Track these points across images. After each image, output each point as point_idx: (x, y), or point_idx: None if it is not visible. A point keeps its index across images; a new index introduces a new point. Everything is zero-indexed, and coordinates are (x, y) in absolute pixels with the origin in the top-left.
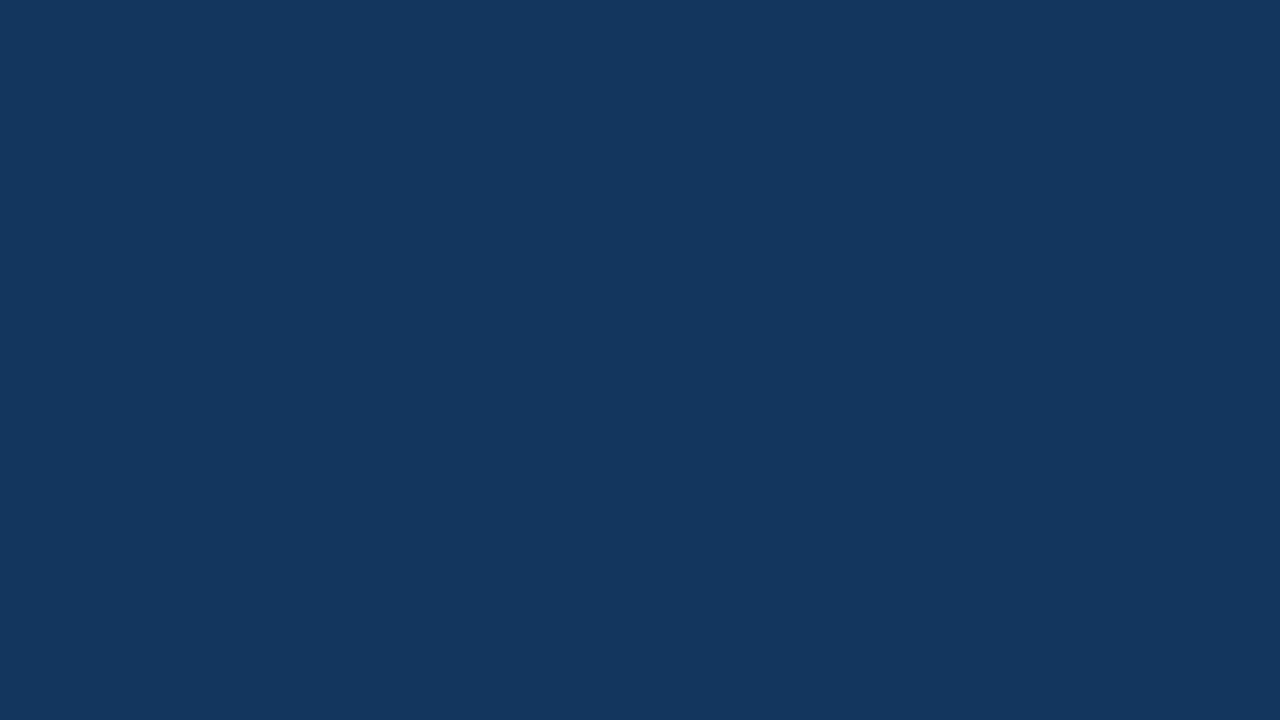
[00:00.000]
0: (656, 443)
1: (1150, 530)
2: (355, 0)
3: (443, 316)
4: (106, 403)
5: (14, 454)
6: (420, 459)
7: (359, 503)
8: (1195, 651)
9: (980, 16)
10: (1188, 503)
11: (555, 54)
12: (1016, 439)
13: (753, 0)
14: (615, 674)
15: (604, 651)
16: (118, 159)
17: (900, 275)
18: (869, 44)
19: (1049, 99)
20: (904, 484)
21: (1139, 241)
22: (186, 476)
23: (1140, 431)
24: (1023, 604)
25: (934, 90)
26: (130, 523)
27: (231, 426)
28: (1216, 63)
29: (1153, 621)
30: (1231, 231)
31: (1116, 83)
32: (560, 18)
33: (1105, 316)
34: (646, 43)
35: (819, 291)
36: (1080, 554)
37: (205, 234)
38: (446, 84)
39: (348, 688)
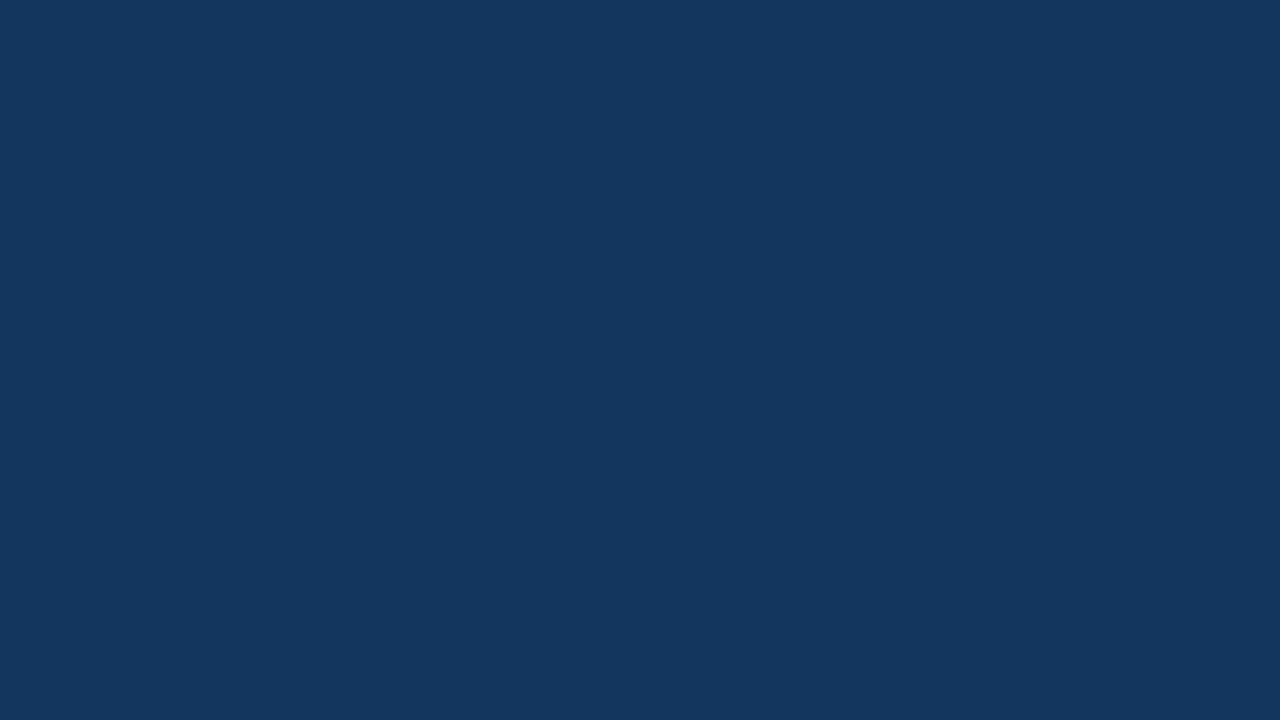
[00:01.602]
0: (656, 443)
1: (1150, 530)
2: (355, 0)
3: (443, 316)
4: (107, 403)
5: (14, 454)
6: (420, 458)
7: (359, 502)
8: (1195, 651)
9: (980, 17)
10: (1188, 503)
11: (555, 54)
12: (1017, 439)
13: (753, 0)
14: (615, 674)
15: (604, 651)
16: (118, 159)
17: (900, 275)
18: (869, 44)
19: (1049, 99)
20: (904, 484)
21: (1139, 241)
22: (187, 476)
23: (1141, 431)
24: (1023, 604)
25: (934, 90)
26: (130, 523)
27: (231, 426)
28: (1217, 63)
29: (1153, 621)
30: (1232, 231)
31: (1117, 83)
32: (560, 18)
33: (1105, 316)
34: (647, 43)
35: (819, 291)
36: (1080, 554)
37: (205, 233)
38: (447, 84)
39: (348, 688)
